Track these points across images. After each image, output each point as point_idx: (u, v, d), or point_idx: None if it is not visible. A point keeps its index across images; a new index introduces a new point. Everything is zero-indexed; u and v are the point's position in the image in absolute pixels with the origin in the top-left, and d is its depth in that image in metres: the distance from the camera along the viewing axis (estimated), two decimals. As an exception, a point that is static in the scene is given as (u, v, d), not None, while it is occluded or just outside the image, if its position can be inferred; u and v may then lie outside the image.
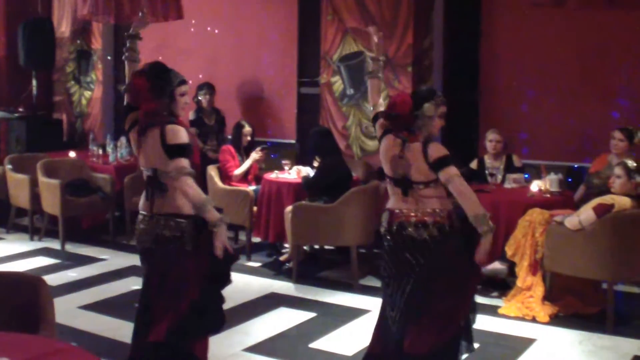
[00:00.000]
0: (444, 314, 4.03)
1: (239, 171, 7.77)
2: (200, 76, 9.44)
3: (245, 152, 7.97)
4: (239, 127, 7.99)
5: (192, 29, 9.91)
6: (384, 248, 4.19)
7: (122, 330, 5.22)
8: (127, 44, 4.27)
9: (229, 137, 8.36)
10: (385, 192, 4.39)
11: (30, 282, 3.43)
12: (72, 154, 9.05)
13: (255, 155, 7.80)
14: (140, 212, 4.09)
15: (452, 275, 4.04)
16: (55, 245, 8.06)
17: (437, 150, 4.03)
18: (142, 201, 4.08)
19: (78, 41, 11.11)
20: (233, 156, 7.84)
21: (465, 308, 4.12)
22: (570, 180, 7.49)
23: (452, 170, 4.00)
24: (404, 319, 4.07)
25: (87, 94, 11.13)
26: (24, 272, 4.48)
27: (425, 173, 4.04)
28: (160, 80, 3.98)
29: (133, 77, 4.04)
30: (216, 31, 9.89)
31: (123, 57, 4.31)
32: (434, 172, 4.02)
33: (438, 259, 4.02)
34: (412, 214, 4.06)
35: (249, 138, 8.02)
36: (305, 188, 7.01)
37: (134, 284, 6.37)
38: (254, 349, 5.18)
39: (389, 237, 4.15)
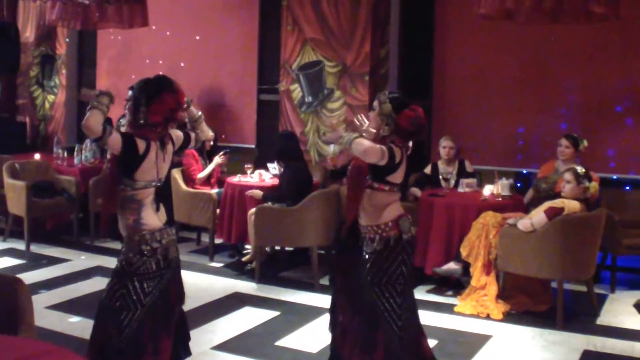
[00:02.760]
0: None
1: (202, 174, 7.65)
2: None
3: (207, 157, 7.84)
4: (202, 132, 7.84)
5: (154, 36, 9.71)
6: (408, 252, 4.01)
7: (90, 330, 5.03)
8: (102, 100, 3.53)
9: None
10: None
11: (8, 283, 3.26)
12: (37, 157, 8.79)
13: (218, 159, 7.69)
14: (157, 226, 3.70)
15: None
16: (20, 245, 7.80)
17: None
18: (152, 214, 3.71)
19: (42, 46, 10.83)
20: (196, 160, 7.71)
21: None
22: (519, 185, 7.56)
23: None
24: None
25: (51, 97, 10.85)
26: (0, 273, 4.27)
27: None
28: None
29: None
30: (178, 38, 9.73)
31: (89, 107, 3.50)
32: None
33: None
34: None
35: (211, 143, 7.88)
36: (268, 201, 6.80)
37: (100, 284, 6.16)
38: (222, 347, 5.06)
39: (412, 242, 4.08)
